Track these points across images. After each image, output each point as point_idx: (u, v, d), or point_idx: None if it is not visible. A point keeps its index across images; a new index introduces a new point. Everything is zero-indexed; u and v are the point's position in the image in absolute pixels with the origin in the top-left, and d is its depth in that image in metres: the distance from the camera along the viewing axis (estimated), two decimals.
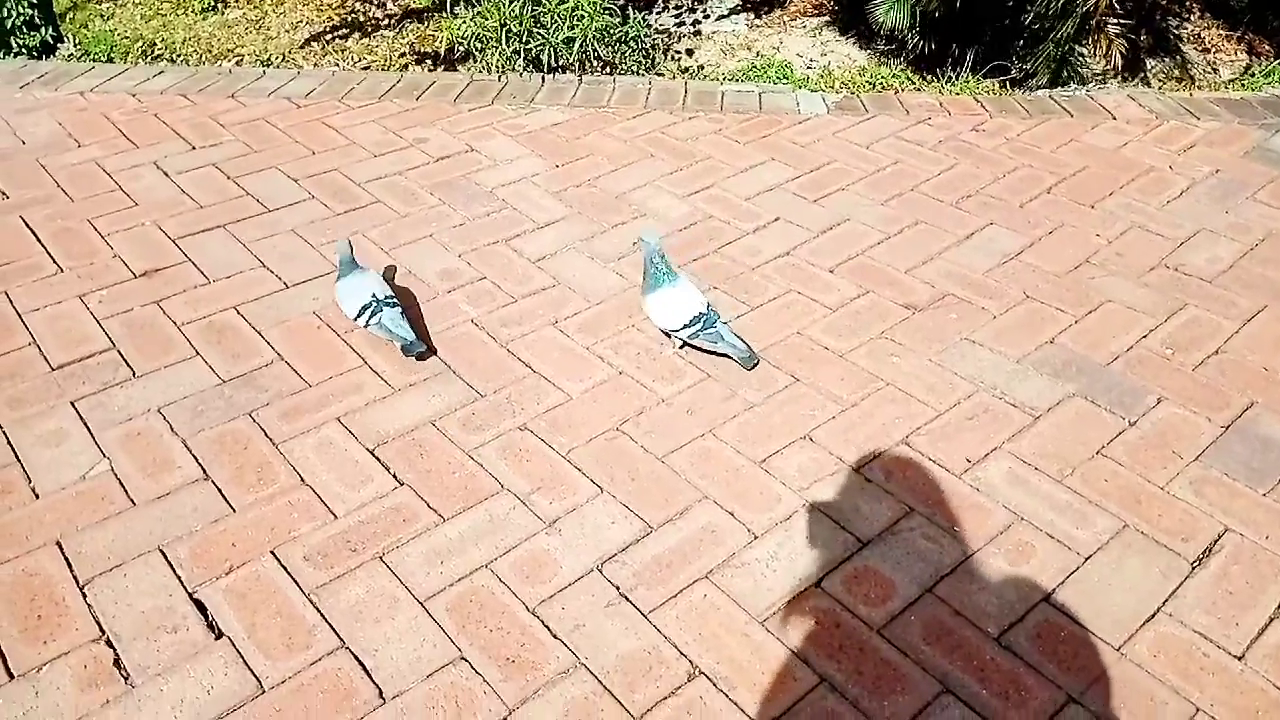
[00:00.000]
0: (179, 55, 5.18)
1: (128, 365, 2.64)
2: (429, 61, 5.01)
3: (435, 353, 2.69)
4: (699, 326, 2.57)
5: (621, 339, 2.75)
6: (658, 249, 2.61)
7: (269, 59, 5.11)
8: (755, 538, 2.15)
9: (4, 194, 3.45)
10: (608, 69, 4.58)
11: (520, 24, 4.41)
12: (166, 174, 3.60)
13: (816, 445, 2.39)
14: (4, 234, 3.21)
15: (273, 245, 3.17)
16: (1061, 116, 4.06)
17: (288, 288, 2.97)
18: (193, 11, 5.76)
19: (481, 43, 4.51)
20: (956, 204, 3.43)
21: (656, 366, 2.65)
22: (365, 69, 5.01)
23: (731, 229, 3.29)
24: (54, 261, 3.07)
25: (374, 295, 2.65)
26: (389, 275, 3.03)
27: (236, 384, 2.59)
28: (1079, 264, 3.10)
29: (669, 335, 2.67)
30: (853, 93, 4.35)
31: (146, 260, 3.09)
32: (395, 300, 2.68)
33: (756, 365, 2.60)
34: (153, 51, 5.23)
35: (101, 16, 5.69)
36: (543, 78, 4.46)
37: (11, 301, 2.89)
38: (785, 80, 4.55)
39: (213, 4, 5.82)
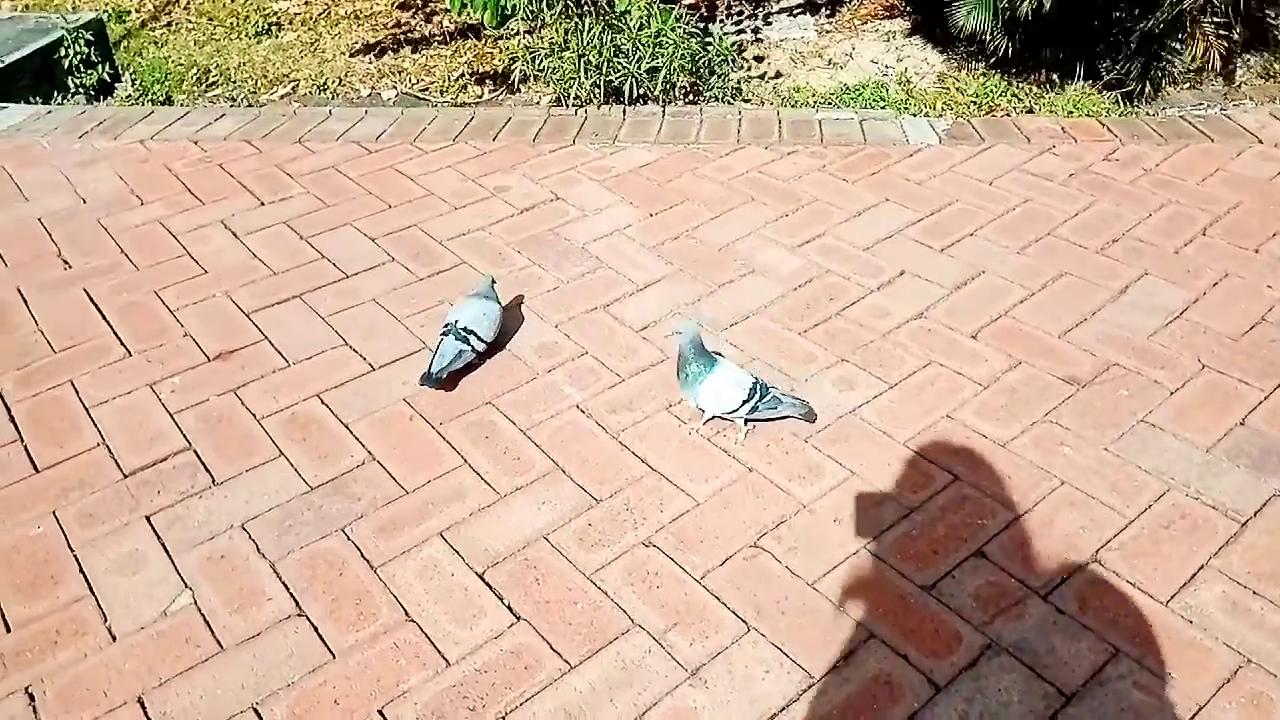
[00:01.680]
0: (234, 81, 5.02)
1: (206, 470, 2.39)
2: (490, 82, 4.78)
3: (451, 388, 2.61)
4: (758, 398, 2.38)
5: (745, 427, 2.45)
6: (694, 338, 2.39)
7: (325, 83, 4.92)
8: (937, 690, 1.83)
9: (66, 263, 3.24)
10: (689, 95, 4.28)
11: (600, 54, 4.11)
12: (235, 235, 3.37)
13: (991, 565, 2.07)
14: (68, 311, 2.99)
15: (353, 319, 2.91)
16: (1200, 141, 3.68)
17: (374, 370, 2.71)
18: (247, 35, 5.59)
19: (554, 70, 4.23)
20: (1102, 250, 3.08)
21: (790, 461, 2.35)
22: (424, 90, 4.82)
23: (853, 286, 2.96)
24: (121, 343, 2.84)
25: (456, 320, 2.62)
26: (516, 303, 2.96)
27: (325, 491, 2.33)
28: (1255, 323, 2.73)
29: (728, 419, 2.43)
30: (959, 116, 4.00)
31: (220, 339, 2.85)
32: (470, 335, 2.60)
33: (816, 418, 2.45)
34: (208, 79, 5.07)
35: (155, 44, 5.53)
36: (624, 110, 4.17)
37: (78, 392, 2.66)
38: (882, 103, 4.22)
39: (266, 27, 5.63)
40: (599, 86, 4.16)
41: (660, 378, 2.63)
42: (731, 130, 3.94)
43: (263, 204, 3.56)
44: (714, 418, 2.44)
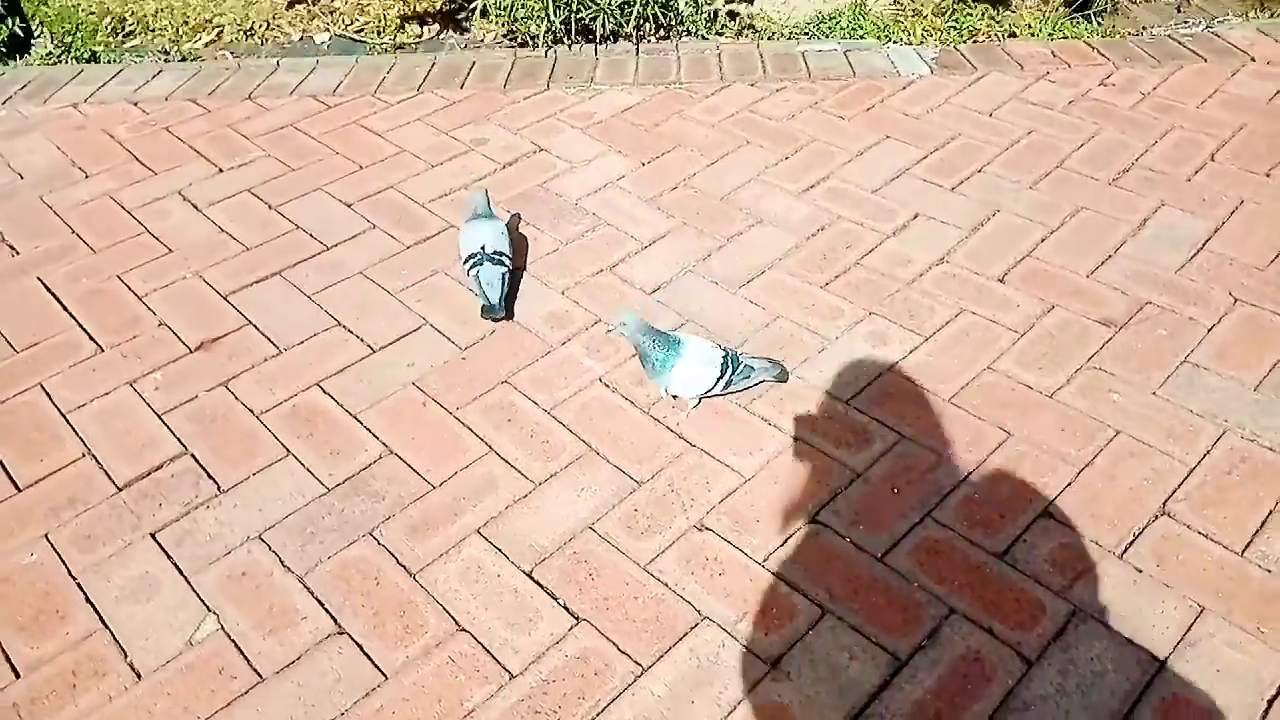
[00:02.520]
0: (153, 29, 4.67)
1: (209, 476, 2.20)
2: (431, 20, 4.50)
3: (512, 318, 2.56)
4: (731, 372, 2.23)
5: (781, 392, 2.33)
6: (640, 326, 2.21)
7: (251, 28, 4.59)
8: (1029, 664, 1.77)
9: (13, 249, 2.95)
10: (658, 32, 4.06)
11: None
12: (196, 207, 3.10)
13: (1061, 525, 2.00)
14: (23, 304, 2.72)
15: (342, 296, 2.70)
16: (1193, 62, 3.60)
17: (374, 352, 2.52)
18: None
19: (518, 5, 3.97)
20: (1114, 182, 3.00)
21: (835, 428, 2.24)
22: (359, 32, 4.54)
23: (867, 232, 2.84)
24: (90, 337, 2.60)
25: (483, 246, 2.54)
26: (514, 225, 2.86)
27: (344, 491, 2.16)
28: (1279, 252, 2.68)
29: (701, 398, 2.29)
30: (944, 43, 3.86)
31: (199, 327, 2.62)
32: (503, 258, 2.54)
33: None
34: (124, 28, 4.70)
35: None
36: (595, 50, 3.94)
37: (50, 396, 2.42)
38: (862, 32, 4.05)
39: None
40: (568, 24, 3.92)
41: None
42: (713, 68, 3.75)
43: (220, 170, 3.28)
44: (701, 397, 2.28)
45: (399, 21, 4.56)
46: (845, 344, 2.46)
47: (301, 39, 4.62)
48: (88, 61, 4.32)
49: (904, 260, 2.72)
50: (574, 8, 3.88)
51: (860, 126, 3.33)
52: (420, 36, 4.48)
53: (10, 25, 4.50)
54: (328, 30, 4.65)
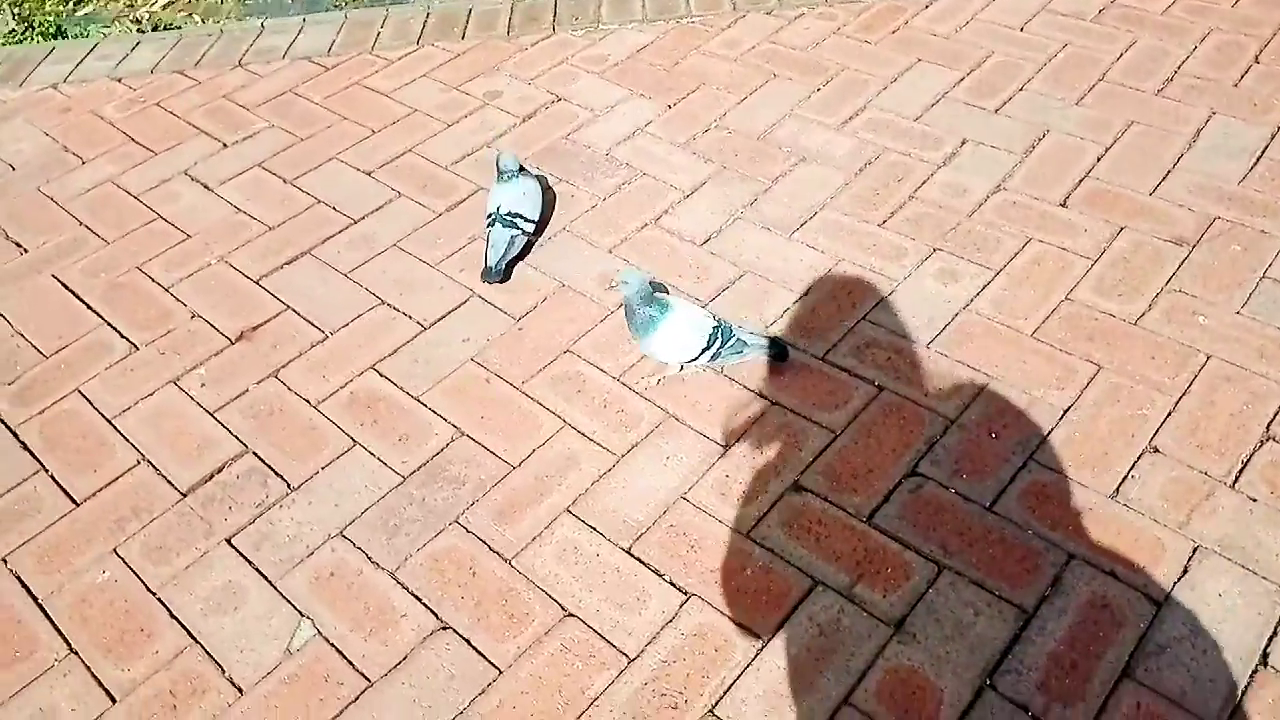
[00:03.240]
0: None
1: (276, 474, 2.11)
2: None
3: (508, 280, 2.49)
4: (720, 342, 2.10)
5: (857, 340, 2.26)
6: (640, 288, 2.09)
7: None
8: (1158, 606, 1.73)
9: (19, 246, 2.79)
10: None
11: None
12: (207, 186, 2.95)
13: (1168, 459, 1.95)
14: (44, 304, 2.58)
15: (380, 271, 2.58)
16: None
17: (425, 329, 2.41)
18: None
19: None
20: (1160, 92, 2.91)
21: (919, 374, 2.17)
22: None
23: (916, 163, 2.74)
24: (121, 335, 2.47)
25: (498, 207, 2.48)
26: (544, 184, 2.73)
27: (421, 479, 2.07)
28: None
29: (684, 366, 2.20)
30: None
31: (235, 315, 2.50)
32: (516, 219, 2.47)
33: (788, 356, 2.19)
34: None
35: None
36: None
37: (90, 401, 2.31)
38: None
39: None
40: None
41: (744, 296, 2.41)
42: None
43: (225, 145, 3.12)
44: (682, 365, 2.18)
45: None
46: (914, 284, 2.38)
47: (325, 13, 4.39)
48: (54, 37, 4.09)
49: (960, 190, 2.63)
50: None
51: (889, 50, 3.20)
52: None
53: None
54: None
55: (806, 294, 2.39)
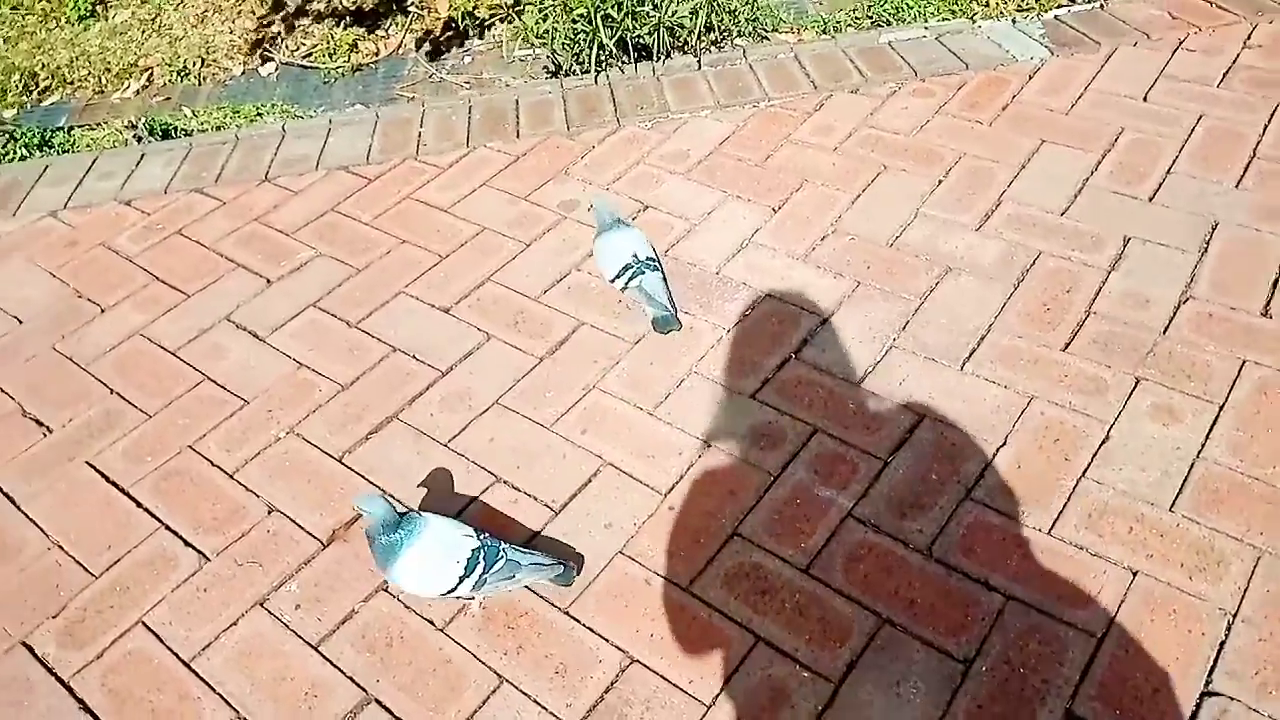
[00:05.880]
0: (71, 81, 4.12)
1: None
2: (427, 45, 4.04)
3: (680, 327, 2.33)
4: (484, 566, 1.74)
5: (1087, 505, 1.90)
6: (384, 518, 1.70)
7: (184, 68, 4.08)
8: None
9: (42, 425, 2.35)
10: (711, 34, 3.56)
11: (620, 7, 3.32)
12: (257, 336, 2.53)
13: None
14: (82, 503, 2.15)
15: (486, 438, 2.19)
16: None
17: (556, 514, 2.02)
18: (68, 22, 4.53)
19: (551, 30, 3.46)
20: None
21: (1176, 549, 1.82)
22: (307, 57, 4.13)
23: (1080, 268, 2.41)
24: (185, 542, 2.05)
25: (635, 255, 2.34)
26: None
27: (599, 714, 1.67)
28: None
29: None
30: (1024, 10, 3.44)
31: (321, 507, 2.09)
32: (658, 263, 2.38)
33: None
34: (37, 85, 4.13)
35: None
36: (653, 70, 3.42)
37: (159, 637, 1.88)
38: (928, 6, 3.61)
39: (90, 8, 4.56)
40: (622, 44, 3.39)
41: (930, 451, 2.05)
42: (797, 75, 3.27)
43: (269, 282, 2.71)
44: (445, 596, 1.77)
45: (351, 42, 4.08)
46: (1129, 426, 2.04)
47: (244, 73, 4.11)
48: (39, 148, 3.66)
49: (1142, 301, 2.31)
50: (627, 25, 3.35)
51: (1006, 131, 2.89)
52: (377, 55, 4.06)
53: None
54: (271, 59, 4.12)
55: (1004, 445, 2.03)
